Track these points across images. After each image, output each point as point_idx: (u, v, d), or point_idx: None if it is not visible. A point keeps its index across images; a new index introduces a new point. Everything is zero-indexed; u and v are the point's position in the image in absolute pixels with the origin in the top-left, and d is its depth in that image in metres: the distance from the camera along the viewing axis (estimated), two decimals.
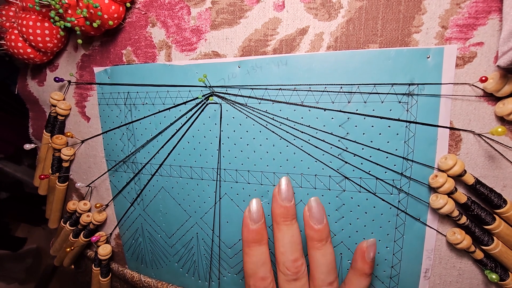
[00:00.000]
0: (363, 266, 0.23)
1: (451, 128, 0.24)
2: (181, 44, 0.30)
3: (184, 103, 0.30)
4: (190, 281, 0.35)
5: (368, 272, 0.23)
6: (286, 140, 0.27)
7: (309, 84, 0.26)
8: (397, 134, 0.25)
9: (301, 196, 0.28)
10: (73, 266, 0.44)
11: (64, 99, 0.37)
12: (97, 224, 0.37)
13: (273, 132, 0.28)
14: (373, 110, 0.25)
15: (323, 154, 0.27)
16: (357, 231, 0.27)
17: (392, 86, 0.24)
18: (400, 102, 0.24)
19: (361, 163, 0.26)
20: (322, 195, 0.27)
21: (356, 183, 0.26)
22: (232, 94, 0.28)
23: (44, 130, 0.38)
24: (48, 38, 0.32)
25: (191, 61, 0.30)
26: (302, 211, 0.28)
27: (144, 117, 0.33)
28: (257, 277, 0.23)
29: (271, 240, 0.29)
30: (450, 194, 0.23)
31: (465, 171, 0.23)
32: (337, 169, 0.26)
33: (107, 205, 0.37)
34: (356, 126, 0.25)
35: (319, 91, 0.26)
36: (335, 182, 0.27)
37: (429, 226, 0.25)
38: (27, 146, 0.36)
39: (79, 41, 0.31)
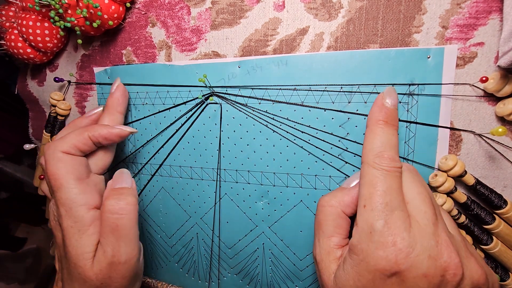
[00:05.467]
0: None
1: (452, 129, 0.24)
2: (181, 44, 0.30)
3: (184, 103, 0.30)
4: (190, 281, 0.35)
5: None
6: (287, 139, 0.27)
7: (309, 84, 0.26)
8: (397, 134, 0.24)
9: (301, 196, 0.28)
10: None
11: (64, 99, 0.37)
12: None
13: (274, 132, 0.28)
14: None
15: (324, 154, 0.27)
16: None
17: (392, 86, 0.24)
18: (400, 102, 0.24)
19: None
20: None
21: None
22: (232, 94, 0.28)
23: (44, 130, 0.38)
24: (48, 38, 0.32)
25: (191, 61, 0.30)
26: (300, 212, 0.28)
27: (144, 117, 0.33)
28: (386, 155, 0.19)
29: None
30: (450, 193, 0.23)
31: (465, 172, 0.23)
32: (338, 169, 0.26)
33: None
34: (356, 126, 0.25)
35: (319, 91, 0.26)
36: (335, 182, 0.27)
37: None
38: (27, 146, 0.36)
39: (79, 41, 0.31)
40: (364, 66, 0.25)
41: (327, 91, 0.26)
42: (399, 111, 0.24)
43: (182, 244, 0.34)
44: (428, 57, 0.23)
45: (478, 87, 0.23)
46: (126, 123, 0.34)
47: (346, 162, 0.26)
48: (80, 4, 0.28)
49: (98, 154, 0.27)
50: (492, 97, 0.23)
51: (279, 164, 0.28)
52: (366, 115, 0.25)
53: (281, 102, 0.27)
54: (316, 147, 0.27)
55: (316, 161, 0.27)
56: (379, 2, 0.24)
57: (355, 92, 0.25)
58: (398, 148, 0.20)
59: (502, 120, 0.23)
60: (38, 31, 0.31)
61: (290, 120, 0.27)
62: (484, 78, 0.21)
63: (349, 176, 0.26)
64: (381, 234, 0.17)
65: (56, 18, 0.29)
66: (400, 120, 0.24)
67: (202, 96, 0.29)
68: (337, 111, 0.26)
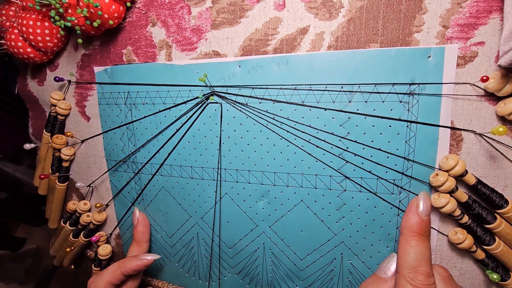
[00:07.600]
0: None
1: (452, 128, 0.24)
2: (182, 44, 0.30)
3: (185, 102, 0.30)
4: (191, 281, 0.35)
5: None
6: (287, 140, 0.27)
7: (310, 84, 0.26)
8: (398, 133, 0.24)
9: (301, 196, 0.28)
10: (73, 266, 0.44)
11: (64, 99, 0.37)
12: (97, 224, 0.37)
13: (274, 131, 0.28)
14: (374, 109, 0.25)
15: (324, 154, 0.27)
16: (358, 231, 0.27)
17: (393, 85, 0.24)
18: (401, 101, 0.24)
19: (362, 163, 0.26)
20: (323, 195, 0.27)
21: (357, 183, 0.26)
22: (233, 94, 0.28)
23: (44, 130, 0.38)
24: (48, 37, 0.32)
25: (192, 60, 0.30)
26: (301, 212, 0.28)
27: (145, 117, 0.33)
28: (421, 271, 0.20)
29: None
30: (451, 193, 0.23)
31: (466, 172, 0.23)
32: (338, 169, 0.26)
33: (107, 205, 0.37)
34: (357, 125, 0.25)
35: (319, 90, 0.26)
36: (336, 182, 0.27)
37: None
38: (27, 146, 0.36)
39: (79, 40, 0.31)
40: (365, 65, 0.24)
41: (328, 90, 0.26)
42: (400, 111, 0.24)
43: (183, 244, 0.34)
44: (429, 57, 0.23)
45: (478, 87, 0.23)
46: (126, 123, 0.34)
47: (347, 162, 0.26)
48: (80, 3, 0.28)
49: (128, 283, 0.32)
50: (492, 97, 0.23)
51: (279, 164, 0.28)
52: (367, 115, 0.25)
53: (282, 102, 0.27)
54: (317, 147, 0.27)
55: (316, 161, 0.27)
56: (380, 1, 0.24)
57: (355, 91, 0.25)
58: (431, 258, 0.21)
59: (502, 119, 0.23)
60: (38, 31, 0.31)
61: (290, 120, 0.27)
62: (484, 78, 0.21)
63: (349, 178, 0.26)
64: None
65: (57, 17, 0.29)
66: (400, 120, 0.24)
67: (203, 95, 0.29)
68: (338, 110, 0.26)
